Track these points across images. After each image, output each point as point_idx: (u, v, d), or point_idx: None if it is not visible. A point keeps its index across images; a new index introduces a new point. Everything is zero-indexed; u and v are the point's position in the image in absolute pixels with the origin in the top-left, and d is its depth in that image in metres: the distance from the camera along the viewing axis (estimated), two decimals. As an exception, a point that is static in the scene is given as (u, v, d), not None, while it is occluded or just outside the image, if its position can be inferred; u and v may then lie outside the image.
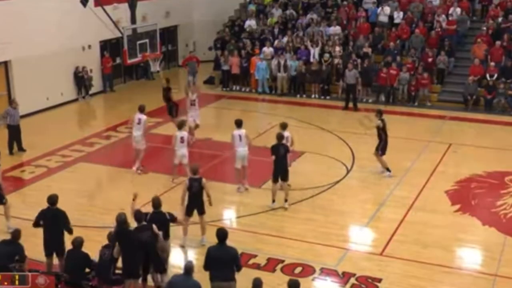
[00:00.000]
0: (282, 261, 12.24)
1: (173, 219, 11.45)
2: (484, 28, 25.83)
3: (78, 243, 10.56)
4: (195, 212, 12.84)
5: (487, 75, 23.89)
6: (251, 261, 12.23)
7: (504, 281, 11.76)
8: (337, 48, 25.87)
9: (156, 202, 11.38)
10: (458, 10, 26.81)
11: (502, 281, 11.75)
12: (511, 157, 18.15)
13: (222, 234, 9.92)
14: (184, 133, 16.34)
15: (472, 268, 12.46)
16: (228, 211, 15.07)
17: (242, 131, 15.88)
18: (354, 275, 11.83)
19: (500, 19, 26.14)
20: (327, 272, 11.88)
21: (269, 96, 26.22)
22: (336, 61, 25.52)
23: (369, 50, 25.82)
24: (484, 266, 12.50)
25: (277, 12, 29.79)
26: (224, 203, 15.50)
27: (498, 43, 24.74)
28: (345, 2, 29.28)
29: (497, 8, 26.92)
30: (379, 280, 11.68)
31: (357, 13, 28.39)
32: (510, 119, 22.27)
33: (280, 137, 14.76)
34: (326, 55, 25.59)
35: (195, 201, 12.77)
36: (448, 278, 11.96)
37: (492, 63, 24.10)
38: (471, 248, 13.32)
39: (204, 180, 12.69)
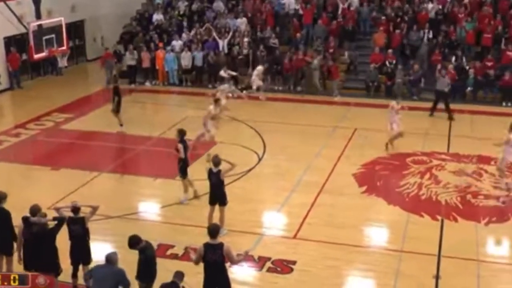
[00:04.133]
0: (200, 250, 12.24)
1: None
2: (383, 17, 26.66)
3: None
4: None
5: (387, 62, 24.71)
6: (168, 252, 12.18)
7: (409, 256, 12.26)
8: (245, 40, 26.03)
9: None
10: (356, 0, 27.62)
11: (407, 256, 12.24)
12: (412, 140, 18.83)
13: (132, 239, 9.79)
14: None
15: (380, 245, 12.92)
16: (143, 204, 14.93)
17: None
18: (269, 259, 12.01)
19: (398, 8, 27.04)
20: (242, 258, 11.96)
21: (179, 88, 26.09)
22: (244, 52, 25.67)
23: (276, 41, 26.13)
24: (391, 243, 12.97)
25: (183, 5, 29.62)
26: (139, 196, 15.39)
27: (397, 31, 25.61)
28: (250, -6, 29.53)
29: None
30: (294, 263, 11.91)
31: (262, 4, 28.64)
32: (409, 104, 23.05)
33: None
34: (236, 47, 25.67)
35: (215, 192, 12.74)
36: (358, 257, 12.35)
37: (390, 51, 24.94)
38: (378, 227, 13.79)
39: (222, 172, 12.63)
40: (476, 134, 19.48)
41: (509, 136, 15.13)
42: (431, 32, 25.40)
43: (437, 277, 11.44)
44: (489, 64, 23.62)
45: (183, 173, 14.34)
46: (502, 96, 23.25)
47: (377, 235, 13.48)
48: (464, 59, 24.06)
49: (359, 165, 16.93)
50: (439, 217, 13.91)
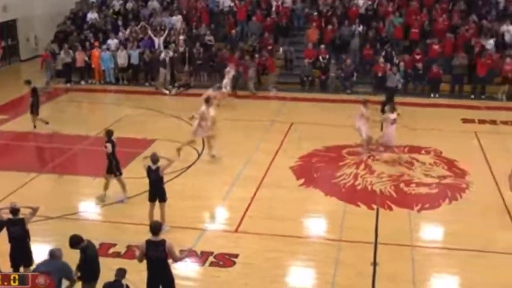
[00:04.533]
0: (142, 247, 12.10)
1: None
2: (316, 13, 26.95)
3: None
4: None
5: (320, 57, 25.01)
6: (111, 250, 12.00)
7: (347, 245, 12.46)
8: (181, 37, 25.86)
9: None
10: (290, -3, 27.91)
11: (345, 245, 12.44)
12: (346, 132, 19.03)
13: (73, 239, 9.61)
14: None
15: (319, 236, 13.09)
16: (83, 203, 14.63)
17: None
18: (212, 253, 11.99)
19: (329, 4, 27.39)
20: (186, 253, 11.91)
21: (116, 87, 25.71)
22: (181, 49, 25.50)
23: (211, 38, 26.07)
24: (329, 233, 13.15)
25: (118, 4, 29.16)
26: (78, 196, 15.09)
27: (329, 27, 25.94)
28: (184, -8, 29.37)
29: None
30: (236, 256, 11.92)
31: (197, 2, 28.51)
32: (343, 97, 23.49)
33: None
34: (172, 45, 25.45)
35: (154, 189, 12.67)
36: (298, 248, 12.47)
37: (323, 46, 25.25)
38: (317, 217, 13.97)
39: (161, 168, 12.58)
40: (407, 124, 19.94)
41: (388, 116, 16.46)
42: (361, 27, 25.87)
43: (374, 264, 11.67)
44: (418, 57, 24.23)
45: (118, 171, 14.23)
46: (431, 87, 23.90)
47: (316, 226, 13.66)
48: (393, 53, 24.60)
49: (296, 158, 17.08)
50: (375, 206, 14.20)
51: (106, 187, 14.35)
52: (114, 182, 14.40)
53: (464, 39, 24.63)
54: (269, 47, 25.56)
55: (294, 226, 13.32)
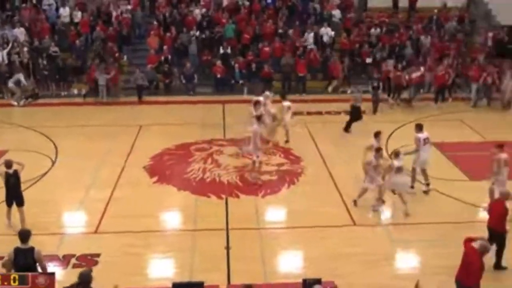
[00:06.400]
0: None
1: None
2: (155, 22, 26.77)
3: None
4: None
5: (162, 63, 24.93)
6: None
7: (201, 233, 12.64)
8: (25, 49, 24.49)
9: None
10: (129, 6, 27.40)
11: (200, 234, 12.62)
12: (192, 130, 19.29)
13: None
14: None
15: (175, 228, 13.18)
16: None
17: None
18: (74, 255, 11.60)
19: (167, 13, 27.31)
20: (49, 258, 11.37)
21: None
22: (25, 61, 24.14)
23: (56, 49, 25.00)
24: (184, 224, 13.26)
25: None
26: None
27: (168, 34, 25.90)
28: (24, 5, 27.76)
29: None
30: (98, 255, 11.62)
31: (38, 14, 27.13)
32: (187, 98, 23.59)
33: None
34: (15, 56, 23.98)
35: (12, 193, 12.15)
36: (157, 241, 12.43)
37: (165, 51, 25.15)
38: (172, 211, 13.98)
39: (18, 171, 12.15)
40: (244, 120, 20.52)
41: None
42: (198, 33, 26.10)
43: (227, 248, 11.93)
44: (250, 59, 24.95)
45: None
46: (264, 86, 24.68)
47: (172, 219, 13.70)
48: (229, 56, 25.12)
49: (148, 158, 16.92)
50: (224, 196, 14.49)
51: None
52: None
53: (289, 41, 25.76)
54: (116, 55, 25.04)
55: (151, 221, 13.24)
